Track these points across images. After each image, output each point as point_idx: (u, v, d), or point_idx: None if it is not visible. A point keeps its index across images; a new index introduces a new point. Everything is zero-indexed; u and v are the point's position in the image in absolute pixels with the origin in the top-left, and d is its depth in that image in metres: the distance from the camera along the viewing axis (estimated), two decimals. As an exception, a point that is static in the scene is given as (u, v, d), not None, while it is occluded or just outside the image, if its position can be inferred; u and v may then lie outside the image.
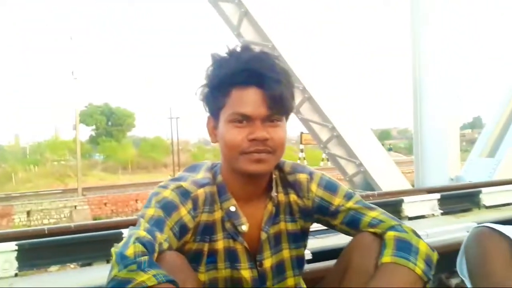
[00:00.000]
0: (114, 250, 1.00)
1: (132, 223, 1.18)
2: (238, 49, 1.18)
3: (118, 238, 3.89)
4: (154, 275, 0.93)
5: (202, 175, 1.24)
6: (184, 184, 1.19)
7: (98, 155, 42.63)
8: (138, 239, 1.01)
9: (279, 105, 1.14)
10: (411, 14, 10.33)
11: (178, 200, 1.16)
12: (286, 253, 1.30)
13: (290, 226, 1.30)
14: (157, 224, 1.10)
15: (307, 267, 2.07)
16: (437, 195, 7.06)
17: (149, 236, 1.04)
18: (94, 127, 46.10)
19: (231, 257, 1.24)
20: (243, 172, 1.18)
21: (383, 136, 55.71)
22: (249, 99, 1.13)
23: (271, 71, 1.14)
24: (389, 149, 40.51)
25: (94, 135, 46.37)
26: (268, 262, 1.27)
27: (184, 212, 1.15)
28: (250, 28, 8.95)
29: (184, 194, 1.17)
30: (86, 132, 46.58)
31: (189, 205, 1.17)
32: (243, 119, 1.14)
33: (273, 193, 1.26)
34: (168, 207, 1.14)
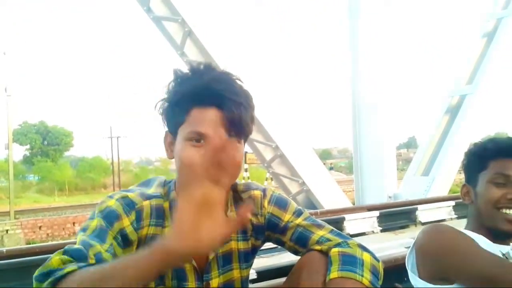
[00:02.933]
0: (35, 273, 0.94)
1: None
2: (201, 67, 1.17)
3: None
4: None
5: (153, 189, 1.21)
6: (130, 195, 1.16)
7: (33, 176, 40.71)
8: (64, 252, 0.97)
9: (237, 127, 1.13)
10: (350, 42, 10.91)
11: (121, 210, 1.12)
12: (236, 273, 1.28)
13: (242, 245, 1.29)
14: (99, 234, 1.06)
15: (254, 286, 2.07)
16: (377, 213, 7.32)
17: (80, 246, 1.00)
18: (28, 146, 44.11)
19: (179, 275, 1.21)
20: None
21: (324, 155, 57.15)
22: (208, 119, 1.12)
23: (232, 93, 1.13)
24: (330, 168, 41.61)
25: (29, 155, 44.33)
26: (215, 282, 1.24)
27: (126, 223, 1.12)
28: (194, 47, 8.97)
29: (129, 204, 1.14)
30: (19, 152, 44.50)
31: (133, 216, 1.14)
32: (201, 138, 1.12)
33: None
34: (110, 216, 1.10)
